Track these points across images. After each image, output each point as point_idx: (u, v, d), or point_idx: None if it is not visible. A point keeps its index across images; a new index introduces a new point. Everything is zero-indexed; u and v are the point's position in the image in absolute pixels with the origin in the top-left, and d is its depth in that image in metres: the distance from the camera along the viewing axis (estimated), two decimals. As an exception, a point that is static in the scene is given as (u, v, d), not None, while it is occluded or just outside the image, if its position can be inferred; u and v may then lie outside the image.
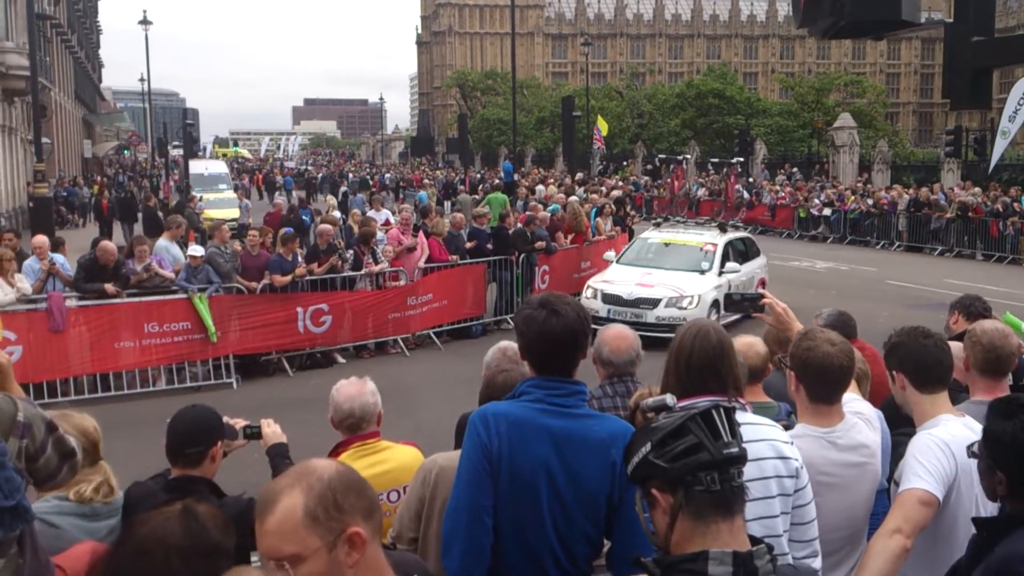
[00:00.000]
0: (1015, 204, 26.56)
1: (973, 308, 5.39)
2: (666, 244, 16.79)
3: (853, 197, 32.35)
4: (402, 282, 14.34)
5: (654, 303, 14.44)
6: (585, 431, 2.83)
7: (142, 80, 62.65)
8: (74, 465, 2.64)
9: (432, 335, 14.74)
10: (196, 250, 12.81)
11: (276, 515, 1.84)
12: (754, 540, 2.03)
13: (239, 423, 3.94)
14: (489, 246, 15.88)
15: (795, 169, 43.93)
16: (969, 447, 2.89)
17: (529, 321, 2.88)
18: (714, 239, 16.31)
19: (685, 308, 14.19)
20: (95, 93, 76.43)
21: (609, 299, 14.67)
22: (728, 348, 2.97)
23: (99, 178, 48.37)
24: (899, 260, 26.97)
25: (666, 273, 15.23)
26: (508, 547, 2.84)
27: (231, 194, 34.67)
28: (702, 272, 15.40)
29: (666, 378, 3.01)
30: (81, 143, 60.91)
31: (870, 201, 31.33)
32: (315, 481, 1.87)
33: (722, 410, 2.03)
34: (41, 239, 12.45)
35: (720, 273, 15.29)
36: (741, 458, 2.01)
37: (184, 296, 12.09)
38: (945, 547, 3.24)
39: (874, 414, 3.66)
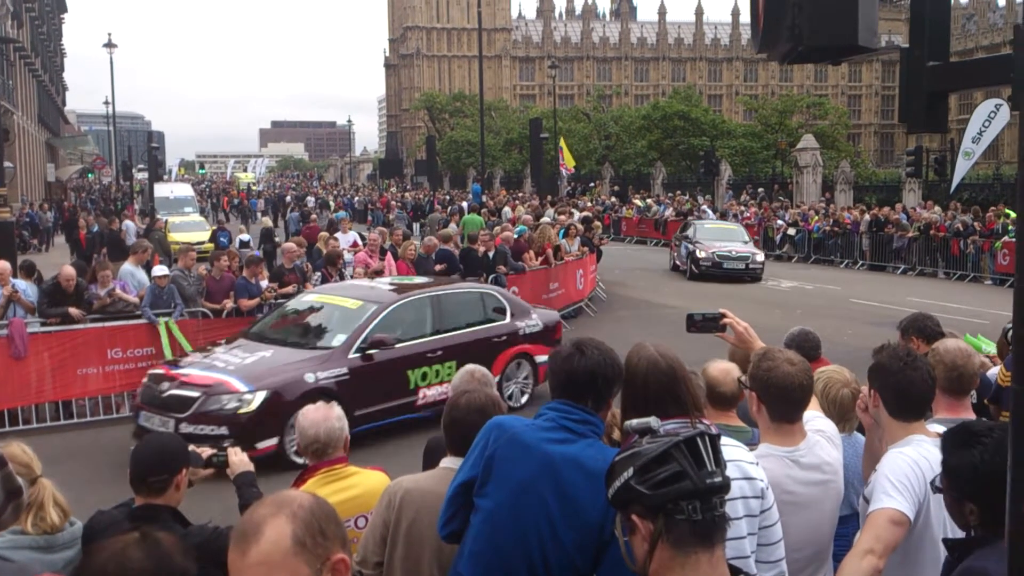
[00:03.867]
0: (976, 223, 27.02)
1: (927, 329, 5.42)
2: None
3: (816, 217, 32.78)
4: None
5: None
6: (583, 457, 2.83)
7: (106, 103, 62.10)
8: (19, 506, 2.58)
9: (401, 358, 14.63)
10: (161, 270, 12.65)
11: (263, 544, 1.78)
12: (733, 570, 2.00)
13: (205, 451, 3.90)
14: (461, 267, 15.86)
15: (760, 190, 44.38)
16: (932, 482, 2.89)
17: (554, 356, 3.05)
18: None
19: None
20: (59, 116, 75.69)
21: None
22: (680, 372, 2.95)
23: (67, 203, 47.60)
24: (862, 279, 27.31)
25: None
26: (485, 563, 2.86)
27: (198, 217, 34.46)
28: None
29: (624, 408, 2.99)
30: (45, 167, 60.20)
31: (832, 220, 31.75)
32: (298, 508, 1.84)
33: (707, 438, 1.99)
34: (3, 265, 12.24)
35: None
36: (724, 488, 1.98)
37: (147, 321, 11.94)
38: (912, 567, 3.26)
39: (835, 431, 3.69)
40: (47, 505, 3.37)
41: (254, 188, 78.14)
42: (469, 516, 2.95)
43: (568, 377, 2.94)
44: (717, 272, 25.18)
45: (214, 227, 28.26)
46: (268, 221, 30.10)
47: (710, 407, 3.73)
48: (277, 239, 25.22)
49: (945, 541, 2.81)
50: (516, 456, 2.85)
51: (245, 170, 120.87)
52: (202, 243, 25.30)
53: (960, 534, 2.84)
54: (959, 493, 2.67)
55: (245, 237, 25.68)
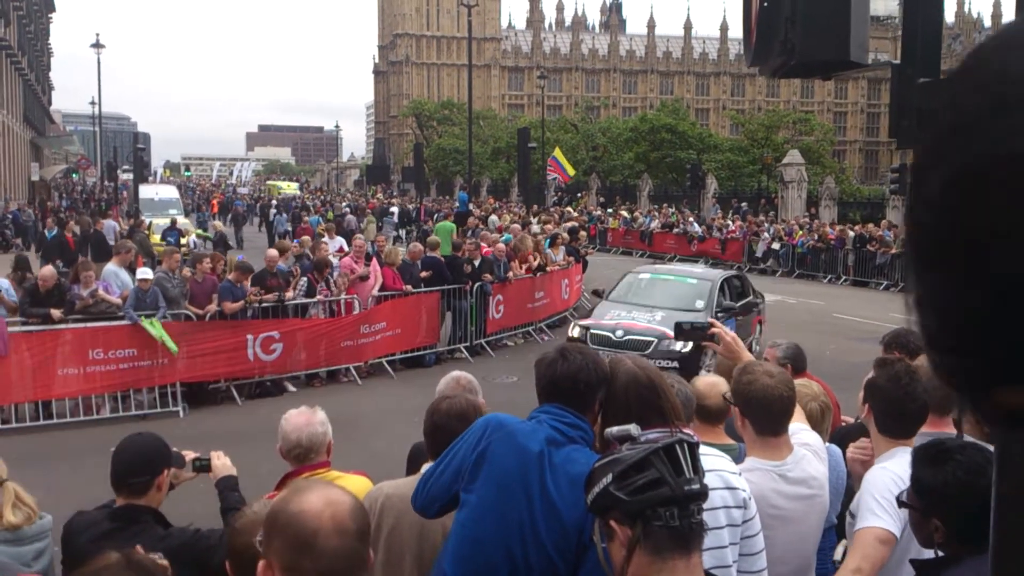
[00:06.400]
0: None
1: (910, 344, 5.44)
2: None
3: (801, 232, 32.97)
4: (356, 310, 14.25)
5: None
6: (569, 461, 2.84)
7: (93, 103, 61.76)
8: None
9: (385, 364, 14.64)
10: (145, 273, 12.57)
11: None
12: None
13: (189, 455, 3.89)
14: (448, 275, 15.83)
15: (744, 204, 44.61)
16: (898, 497, 2.88)
17: (539, 362, 3.08)
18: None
19: None
20: (44, 116, 75.27)
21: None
22: (662, 384, 2.95)
23: (48, 204, 47.07)
24: (846, 294, 27.45)
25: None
26: (472, 556, 2.86)
27: (183, 219, 34.26)
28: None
29: (605, 422, 2.99)
30: (29, 166, 59.85)
31: (816, 236, 31.93)
32: (279, 501, 1.97)
33: (686, 445, 2.01)
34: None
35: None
36: (702, 495, 1.99)
37: (130, 322, 11.86)
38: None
39: (821, 445, 3.71)
40: (5, 509, 3.48)
41: (240, 191, 77.57)
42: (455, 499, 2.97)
43: (551, 382, 2.97)
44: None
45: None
46: (220, 225, 30.47)
47: (697, 422, 3.73)
48: (230, 244, 25.97)
49: (913, 562, 2.79)
50: (507, 453, 2.87)
51: (230, 174, 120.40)
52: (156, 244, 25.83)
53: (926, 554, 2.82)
54: (927, 509, 2.66)
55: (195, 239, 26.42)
